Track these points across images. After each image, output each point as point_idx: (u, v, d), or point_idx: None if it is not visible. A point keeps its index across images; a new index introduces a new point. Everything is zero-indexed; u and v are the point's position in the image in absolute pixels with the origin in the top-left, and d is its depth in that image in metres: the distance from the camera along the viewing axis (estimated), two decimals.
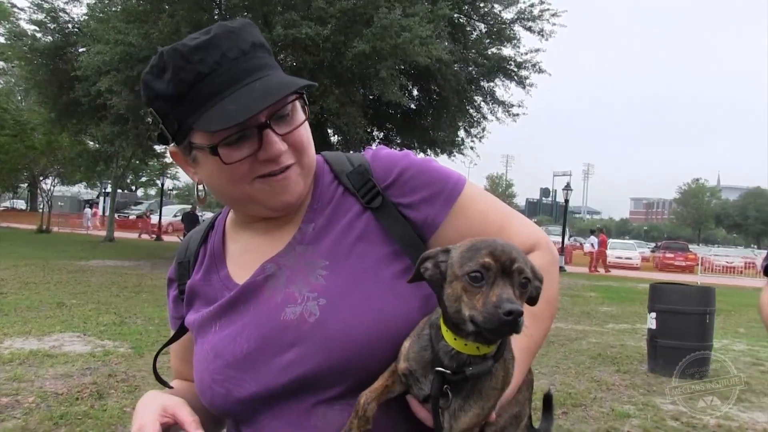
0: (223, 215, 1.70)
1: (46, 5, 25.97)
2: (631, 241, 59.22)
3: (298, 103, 1.45)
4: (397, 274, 1.43)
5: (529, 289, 1.24)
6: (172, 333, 1.71)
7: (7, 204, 75.05)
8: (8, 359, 8.33)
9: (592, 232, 40.54)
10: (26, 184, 60.52)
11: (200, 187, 1.54)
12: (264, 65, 1.41)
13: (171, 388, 1.65)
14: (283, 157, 1.40)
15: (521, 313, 1.12)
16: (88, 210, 53.04)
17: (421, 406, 1.34)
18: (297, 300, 1.42)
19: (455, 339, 1.25)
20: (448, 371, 1.26)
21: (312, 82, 1.42)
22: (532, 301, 1.30)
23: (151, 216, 48.30)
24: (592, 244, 38.60)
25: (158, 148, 34.16)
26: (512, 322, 1.12)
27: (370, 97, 25.27)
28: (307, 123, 1.47)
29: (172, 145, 1.47)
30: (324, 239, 1.49)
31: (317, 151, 1.59)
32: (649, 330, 9.90)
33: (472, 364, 1.25)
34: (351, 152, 1.65)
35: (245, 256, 1.56)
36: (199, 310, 1.57)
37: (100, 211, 56.56)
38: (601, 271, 36.66)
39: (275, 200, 1.45)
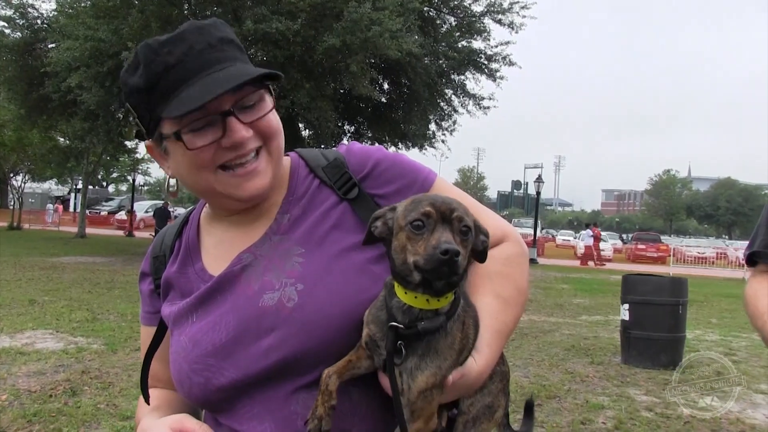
0: (197, 210, 1.71)
1: (14, 1, 25.61)
2: (603, 233, 59.69)
3: (265, 95, 1.47)
4: (371, 259, 1.48)
5: (471, 238, 1.30)
6: (143, 329, 1.71)
7: None
8: None
9: (587, 226, 40.03)
10: None
11: (172, 181, 1.57)
12: (231, 57, 1.44)
13: (149, 404, 1.64)
14: (247, 143, 1.43)
15: (457, 252, 1.19)
16: (50, 206, 52.53)
17: (384, 375, 1.36)
18: (275, 286, 1.44)
19: (406, 293, 1.30)
20: (401, 326, 1.30)
21: (277, 72, 1.46)
22: (481, 256, 1.37)
23: (136, 212, 47.77)
24: (591, 237, 38.03)
25: (129, 144, 33.82)
26: (449, 261, 1.19)
27: (341, 91, 25.27)
28: (275, 113, 1.50)
29: (148, 140, 1.50)
30: (299, 228, 1.52)
31: (290, 148, 1.62)
32: (622, 321, 10.00)
33: (424, 319, 1.30)
34: (323, 148, 1.70)
35: (220, 249, 1.58)
36: (174, 302, 1.58)
37: (62, 207, 55.83)
38: (591, 264, 36.34)
39: (240, 192, 1.46)
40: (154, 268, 1.68)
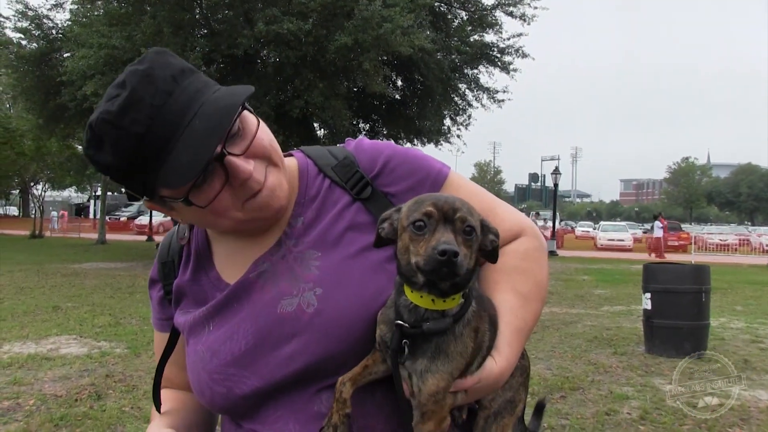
0: None
1: (30, 13, 25.86)
2: (623, 223, 59.34)
3: (245, 113, 1.39)
4: (386, 258, 1.44)
5: (475, 238, 1.28)
6: (156, 335, 1.70)
7: (0, 211, 74.69)
8: (7, 363, 8.36)
9: (656, 217, 38.88)
10: (18, 191, 60.36)
11: (183, 228, 1.57)
12: (194, 93, 1.33)
13: (160, 412, 1.63)
14: (255, 174, 1.37)
15: (456, 253, 1.17)
16: (54, 213, 52.96)
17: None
18: (292, 292, 1.42)
19: (412, 292, 1.29)
20: (406, 325, 1.29)
21: (250, 86, 1.39)
22: (491, 256, 1.34)
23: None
24: (661, 228, 36.32)
25: None
26: (447, 262, 1.17)
27: (355, 89, 25.21)
28: (262, 124, 1.43)
29: (145, 199, 1.43)
30: (313, 231, 1.49)
31: (305, 145, 1.58)
32: (645, 311, 9.89)
33: (431, 319, 1.28)
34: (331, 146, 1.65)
35: (234, 257, 1.55)
36: (188, 311, 1.56)
37: (67, 214, 56.37)
38: (653, 256, 34.52)
39: (269, 211, 1.43)
40: (163, 274, 1.65)
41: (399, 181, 1.53)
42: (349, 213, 1.50)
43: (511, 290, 1.48)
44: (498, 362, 1.38)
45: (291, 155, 1.62)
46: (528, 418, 1.66)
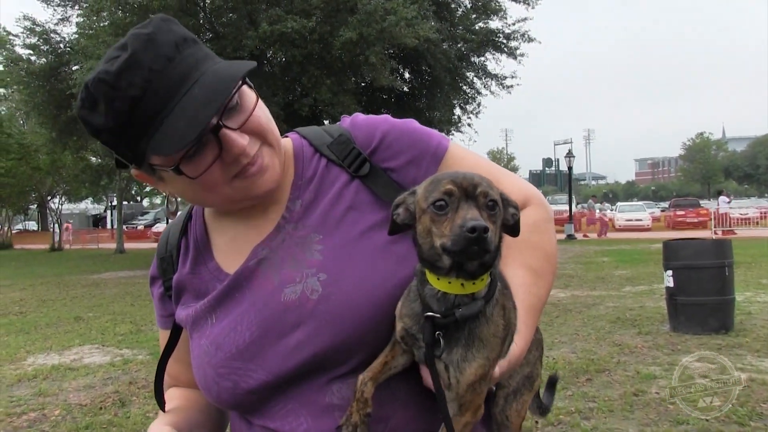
0: None
1: (38, 29, 26.14)
2: (640, 203, 58.92)
3: (244, 87, 1.36)
4: (392, 239, 1.37)
5: (499, 212, 1.21)
6: (161, 333, 1.65)
7: (20, 226, 75.44)
8: (32, 375, 8.43)
9: (720, 193, 38.39)
10: (35, 205, 60.90)
11: (172, 199, 1.50)
12: (195, 62, 1.30)
13: (164, 410, 1.59)
14: (248, 149, 1.33)
15: (485, 229, 1.09)
16: (56, 226, 53.36)
17: (427, 369, 1.28)
18: (295, 279, 1.37)
19: (438, 279, 1.21)
20: (437, 316, 1.22)
21: (252, 62, 1.35)
22: (514, 230, 1.28)
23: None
24: (728, 203, 36.39)
25: None
26: (478, 239, 1.09)
27: (363, 84, 25.25)
28: (261, 102, 1.40)
29: (133, 167, 1.38)
30: (313, 214, 1.44)
31: None
32: (667, 288, 9.77)
33: (462, 305, 1.21)
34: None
35: (233, 245, 1.50)
36: (189, 305, 1.51)
37: (71, 225, 56.72)
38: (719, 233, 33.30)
39: (257, 191, 1.38)
40: (162, 270, 1.60)
41: (398, 155, 1.46)
42: (348, 192, 1.44)
43: (522, 266, 1.43)
44: (518, 343, 1.34)
45: (287, 137, 1.57)
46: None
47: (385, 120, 1.51)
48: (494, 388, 1.41)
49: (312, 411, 1.34)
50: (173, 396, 1.63)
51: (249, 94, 1.37)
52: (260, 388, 1.35)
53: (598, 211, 39.75)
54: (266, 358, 1.35)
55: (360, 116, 1.54)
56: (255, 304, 1.39)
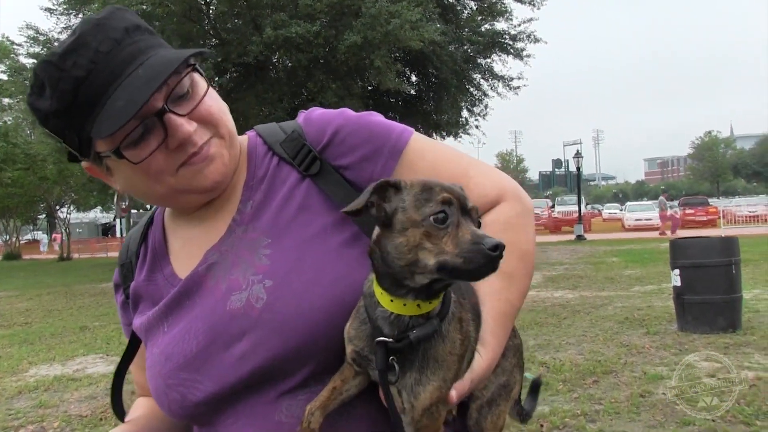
0: (161, 209, 1.57)
1: (41, 38, 26.15)
2: (649, 202, 58.68)
3: (195, 76, 1.31)
4: (345, 241, 1.31)
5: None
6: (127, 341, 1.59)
7: (29, 236, 75.80)
8: (33, 387, 8.38)
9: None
10: (44, 215, 61.16)
11: (123, 194, 1.44)
12: (144, 48, 1.26)
13: (122, 420, 1.55)
14: (195, 137, 1.27)
15: (504, 247, 1.01)
16: (44, 236, 53.40)
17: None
18: (241, 286, 1.30)
19: (392, 301, 1.12)
20: (390, 340, 1.13)
21: (203, 50, 1.32)
22: None
23: None
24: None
25: None
26: (497, 258, 1.00)
27: (369, 87, 25.19)
28: (213, 92, 1.35)
29: (83, 160, 1.34)
30: (263, 216, 1.37)
31: None
32: (675, 288, 9.67)
33: (416, 326, 1.12)
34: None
35: (187, 249, 1.44)
36: (144, 312, 1.45)
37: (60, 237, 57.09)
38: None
39: (203, 181, 1.32)
40: (122, 277, 1.55)
41: (351, 151, 1.38)
42: (299, 192, 1.37)
43: None
44: (484, 356, 1.26)
45: (244, 135, 1.51)
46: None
47: (340, 114, 1.43)
48: (467, 400, 1.32)
49: (261, 429, 1.27)
50: (139, 405, 1.59)
51: (201, 82, 1.32)
52: (208, 400, 1.29)
53: (669, 209, 39.50)
54: (212, 368, 1.28)
55: (316, 111, 1.47)
56: (203, 311, 1.33)
